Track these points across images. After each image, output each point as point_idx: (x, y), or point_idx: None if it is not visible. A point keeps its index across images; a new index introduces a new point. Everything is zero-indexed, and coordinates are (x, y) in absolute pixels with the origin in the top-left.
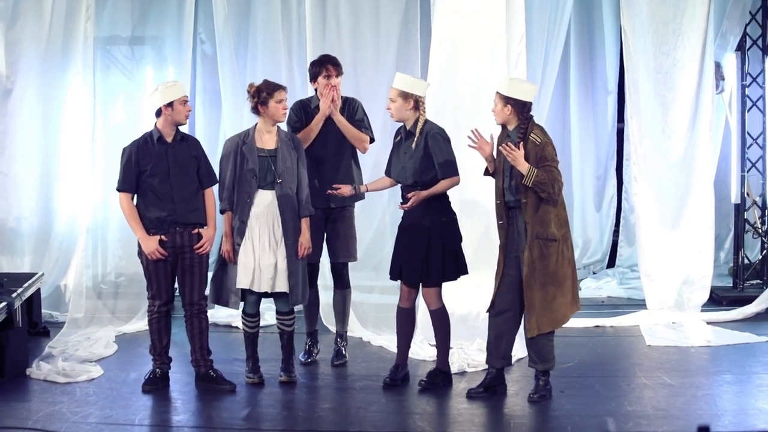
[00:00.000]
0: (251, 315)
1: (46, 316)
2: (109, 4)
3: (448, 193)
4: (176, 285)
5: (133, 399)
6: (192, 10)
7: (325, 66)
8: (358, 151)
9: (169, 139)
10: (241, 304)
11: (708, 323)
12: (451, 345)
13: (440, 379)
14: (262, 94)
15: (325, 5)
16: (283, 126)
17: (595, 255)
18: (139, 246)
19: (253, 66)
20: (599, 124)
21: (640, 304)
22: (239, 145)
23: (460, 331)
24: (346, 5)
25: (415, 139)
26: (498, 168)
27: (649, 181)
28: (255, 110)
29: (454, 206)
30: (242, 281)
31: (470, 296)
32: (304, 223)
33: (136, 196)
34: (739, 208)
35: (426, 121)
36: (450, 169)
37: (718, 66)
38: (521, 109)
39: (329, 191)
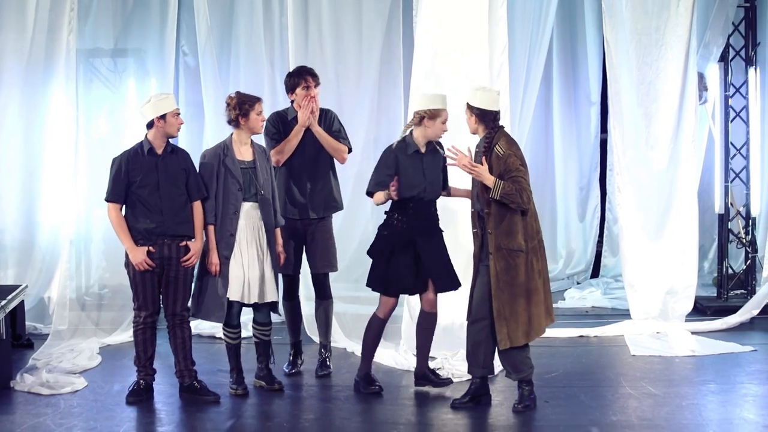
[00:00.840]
0: (234, 326)
1: (29, 328)
2: (91, 16)
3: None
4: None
5: (117, 410)
6: (174, 22)
7: (303, 77)
8: (336, 162)
9: (159, 151)
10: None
11: (692, 333)
12: (435, 355)
13: (434, 376)
14: (244, 106)
15: (308, 16)
16: (259, 138)
17: (578, 265)
18: (127, 257)
19: (236, 78)
20: (582, 134)
21: (624, 314)
22: (221, 158)
23: (444, 341)
24: (328, 16)
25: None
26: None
27: (633, 191)
28: (235, 122)
29: (441, 216)
30: (234, 293)
31: (454, 306)
32: (278, 234)
33: (124, 207)
34: (723, 218)
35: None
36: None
37: (701, 77)
38: (485, 118)
39: (392, 186)
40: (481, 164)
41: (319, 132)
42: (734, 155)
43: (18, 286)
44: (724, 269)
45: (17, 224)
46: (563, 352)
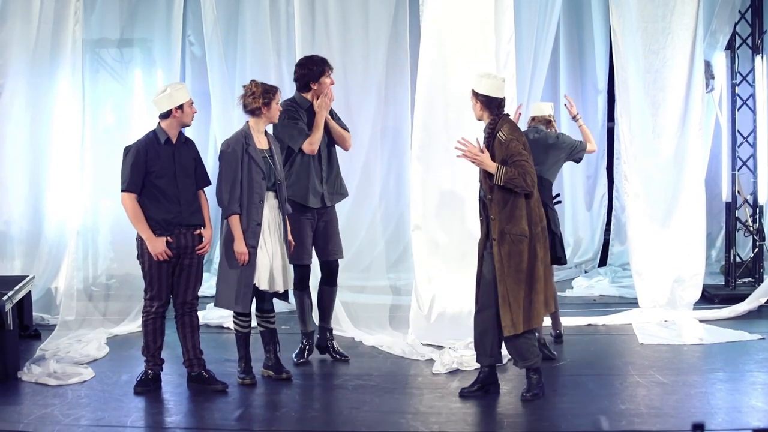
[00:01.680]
0: (245, 315)
1: (37, 319)
2: (97, 6)
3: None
4: None
5: (125, 401)
6: (180, 12)
7: (327, 65)
8: (339, 149)
9: (174, 141)
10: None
11: (700, 321)
12: (443, 344)
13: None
14: (268, 95)
15: (314, 6)
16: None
17: (586, 254)
18: (139, 248)
19: (242, 67)
20: (589, 123)
21: (632, 303)
22: (243, 147)
23: (451, 330)
24: (334, 6)
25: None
26: None
27: (640, 180)
28: (257, 111)
29: (450, 204)
30: (263, 282)
31: (461, 295)
32: (287, 222)
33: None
34: (731, 207)
35: None
36: None
37: (707, 65)
38: (490, 104)
39: None
40: (482, 152)
41: (330, 120)
42: (741, 143)
43: (25, 276)
44: (732, 257)
45: (24, 215)
46: (571, 341)
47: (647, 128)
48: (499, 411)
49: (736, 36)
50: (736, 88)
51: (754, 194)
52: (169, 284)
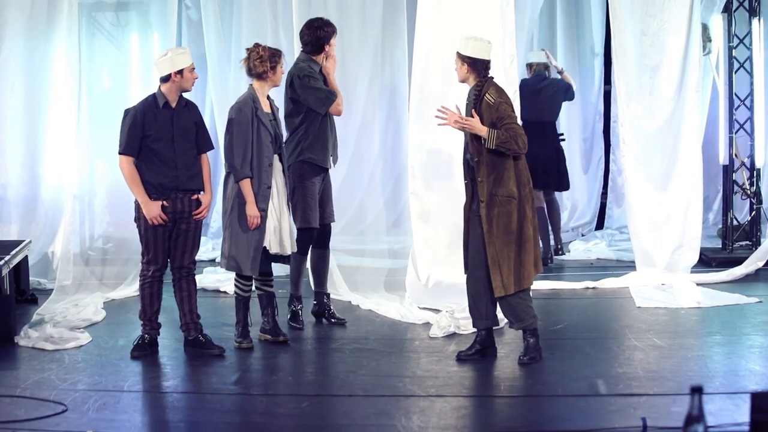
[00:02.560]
0: (248, 279)
1: (33, 284)
2: None
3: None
4: None
5: (122, 365)
6: None
7: (333, 27)
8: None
9: (173, 105)
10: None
11: (698, 285)
12: (440, 308)
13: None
14: (274, 59)
15: None
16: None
17: (583, 217)
18: (137, 211)
19: (239, 31)
20: (586, 86)
21: (629, 266)
22: (253, 111)
23: (449, 295)
24: None
25: None
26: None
27: (638, 142)
28: (263, 75)
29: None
30: (273, 246)
31: (458, 261)
32: None
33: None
34: (728, 170)
35: None
36: None
37: (704, 28)
38: (477, 67)
39: None
40: (471, 116)
41: (334, 83)
42: (738, 106)
43: (21, 241)
44: (729, 221)
45: (21, 180)
46: (568, 304)
47: (645, 91)
48: (496, 375)
49: None
50: (733, 50)
51: (751, 157)
52: (165, 248)
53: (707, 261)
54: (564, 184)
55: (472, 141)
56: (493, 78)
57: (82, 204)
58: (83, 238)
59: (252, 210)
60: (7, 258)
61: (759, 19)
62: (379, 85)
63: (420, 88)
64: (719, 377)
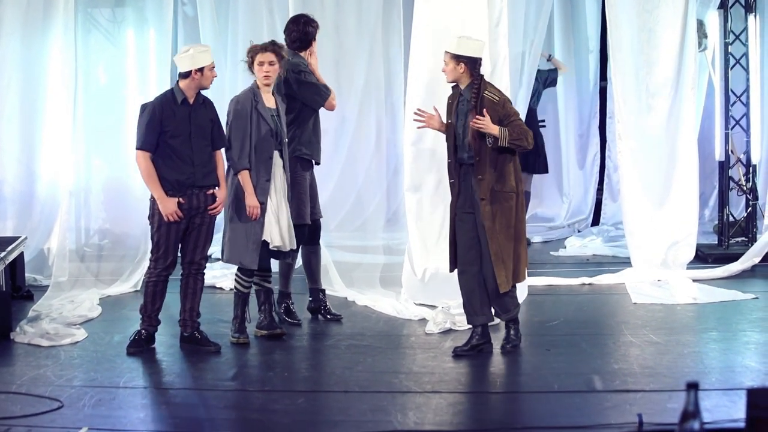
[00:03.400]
0: (249, 275)
1: (29, 280)
2: None
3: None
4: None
5: (117, 361)
6: None
7: (317, 23)
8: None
9: (191, 102)
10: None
11: (694, 281)
12: (436, 304)
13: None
14: (282, 51)
15: None
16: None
17: (579, 213)
18: (152, 207)
19: (235, 26)
20: (582, 82)
21: (625, 262)
22: (252, 104)
23: (444, 291)
24: None
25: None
26: (449, 127)
27: (634, 139)
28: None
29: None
30: (275, 240)
31: None
32: None
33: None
34: (724, 166)
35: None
36: None
37: (700, 24)
38: (474, 66)
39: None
40: (482, 116)
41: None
42: (734, 102)
43: (17, 237)
44: (725, 217)
45: (17, 175)
46: (564, 300)
47: (641, 87)
48: (492, 371)
49: None
50: (729, 47)
51: (747, 153)
52: (176, 247)
53: (703, 257)
54: (545, 168)
55: (474, 139)
56: (483, 76)
57: (78, 200)
58: (79, 234)
59: (251, 200)
60: (2, 254)
61: (755, 15)
62: (374, 81)
63: (415, 85)
64: (715, 373)
